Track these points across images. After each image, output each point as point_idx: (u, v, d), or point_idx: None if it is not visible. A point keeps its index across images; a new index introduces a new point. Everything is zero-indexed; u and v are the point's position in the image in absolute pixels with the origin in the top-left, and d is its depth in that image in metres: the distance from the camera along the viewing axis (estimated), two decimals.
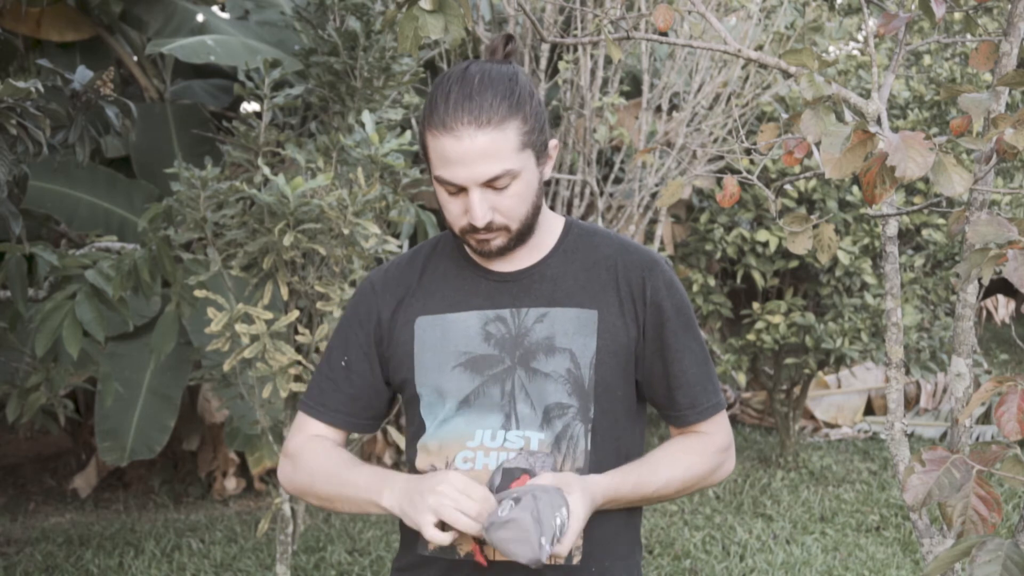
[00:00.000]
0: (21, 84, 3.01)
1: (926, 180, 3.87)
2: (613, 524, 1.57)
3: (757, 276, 5.77)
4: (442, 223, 4.18)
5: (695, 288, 5.85)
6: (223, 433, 5.52)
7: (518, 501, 1.38)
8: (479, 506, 1.40)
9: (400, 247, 3.57)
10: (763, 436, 7.06)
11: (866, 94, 1.77)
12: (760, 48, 5.31)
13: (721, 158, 5.29)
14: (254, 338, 3.15)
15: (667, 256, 5.91)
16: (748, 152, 3.94)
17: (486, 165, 1.47)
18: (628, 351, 1.58)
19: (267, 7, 5.84)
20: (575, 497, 1.43)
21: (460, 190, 1.50)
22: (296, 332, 3.35)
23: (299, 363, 3.25)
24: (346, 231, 3.16)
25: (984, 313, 11.14)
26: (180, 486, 6.03)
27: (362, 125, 3.64)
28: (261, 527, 3.33)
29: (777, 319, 5.70)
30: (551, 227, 1.64)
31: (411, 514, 1.44)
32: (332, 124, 4.00)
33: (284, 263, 3.23)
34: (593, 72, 5.16)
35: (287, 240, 3.06)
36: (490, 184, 1.48)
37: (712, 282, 5.89)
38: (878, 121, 1.64)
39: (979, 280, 1.69)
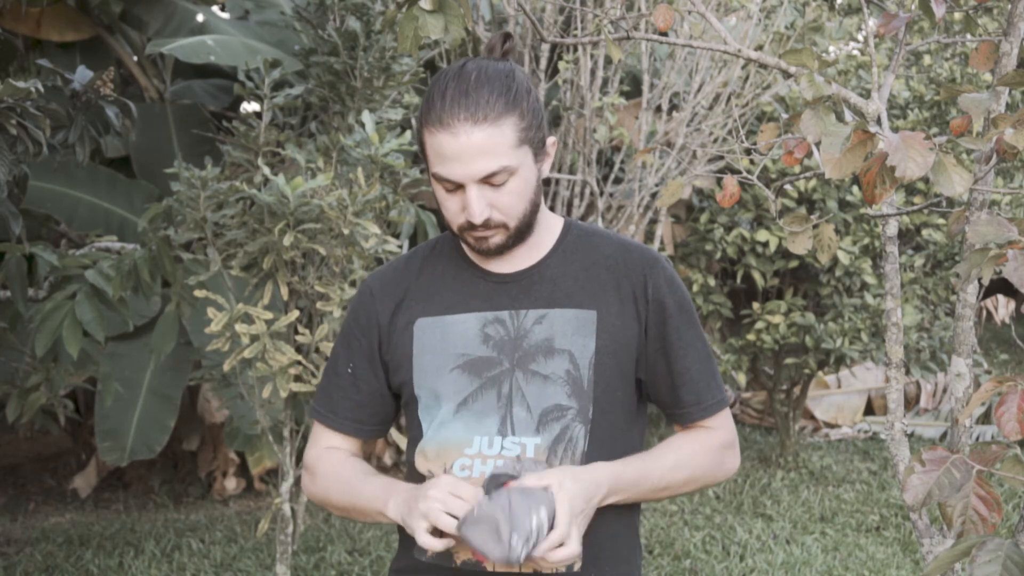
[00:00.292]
0: (21, 84, 3.01)
1: (926, 180, 3.87)
2: (612, 527, 1.56)
3: (757, 276, 5.76)
4: (442, 223, 4.18)
5: (695, 288, 5.85)
6: (223, 433, 5.52)
7: (490, 495, 1.37)
8: (468, 506, 1.40)
9: (400, 247, 3.57)
10: (763, 436, 7.06)
11: (866, 94, 1.76)
12: (760, 48, 5.31)
13: (721, 158, 5.29)
14: (254, 338, 3.15)
15: (667, 256, 5.91)
16: (748, 152, 3.94)
17: (483, 161, 1.47)
18: (628, 351, 1.58)
19: (267, 7, 5.84)
20: (565, 487, 1.42)
21: (457, 187, 1.50)
22: (296, 332, 3.35)
23: (299, 363, 3.25)
24: (346, 231, 3.16)
25: (984, 313, 11.14)
26: (180, 486, 6.03)
27: (362, 125, 3.64)
28: (261, 527, 3.33)
29: (777, 319, 5.70)
30: (550, 227, 1.64)
31: (408, 521, 1.46)
32: (332, 124, 4.00)
33: (284, 263, 3.23)
34: (593, 72, 5.16)
35: (287, 240, 3.06)
36: (487, 180, 1.48)
37: (712, 282, 5.89)
38: (878, 121, 1.64)
39: (979, 280, 1.68)
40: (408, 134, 3.56)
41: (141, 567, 4.50)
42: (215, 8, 6.30)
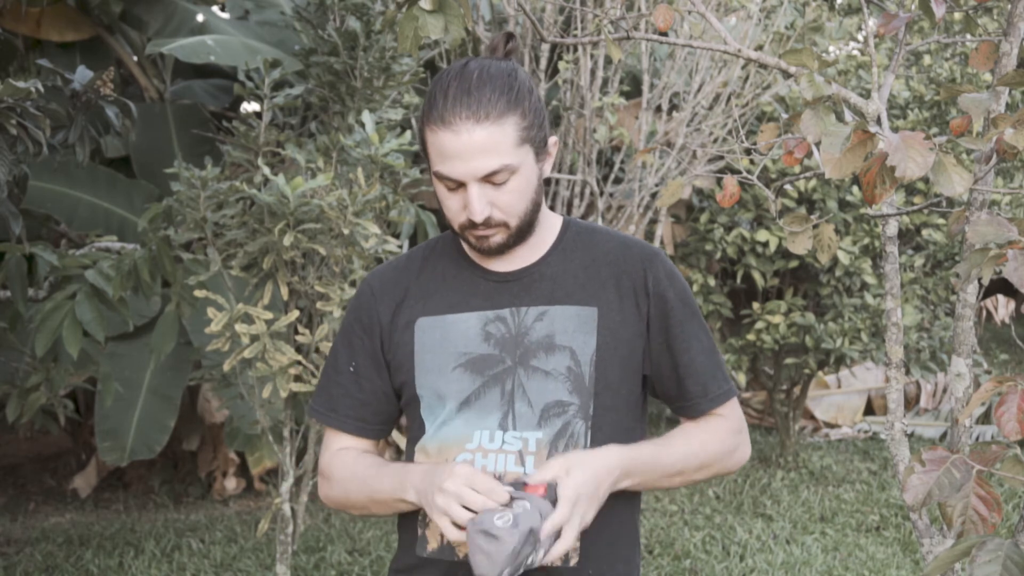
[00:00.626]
0: (21, 84, 3.01)
1: (926, 180, 3.87)
2: (611, 524, 1.56)
3: (757, 276, 5.77)
4: (442, 223, 4.19)
5: (695, 288, 5.85)
6: (223, 433, 5.52)
7: (517, 523, 1.37)
8: (483, 499, 1.40)
9: (400, 247, 3.58)
10: (763, 436, 7.06)
11: (866, 94, 1.77)
12: (760, 48, 5.31)
13: (721, 158, 5.29)
14: (254, 338, 3.15)
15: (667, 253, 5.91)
16: (748, 152, 3.94)
17: (484, 160, 1.47)
18: (630, 347, 1.58)
19: (267, 7, 5.84)
20: (572, 475, 1.42)
21: (459, 186, 1.50)
22: (296, 332, 3.35)
23: (299, 363, 3.25)
24: (346, 231, 3.16)
25: (984, 313, 11.14)
26: (180, 486, 6.03)
27: (362, 125, 3.64)
28: (261, 527, 3.33)
29: (777, 319, 5.70)
30: (550, 226, 1.64)
31: (431, 515, 1.46)
32: (332, 124, 4.00)
33: (284, 263, 3.23)
34: (593, 72, 5.16)
35: (287, 240, 3.06)
36: (488, 179, 1.49)
37: (712, 282, 5.90)
38: (878, 121, 1.64)
39: (979, 280, 1.69)
40: (408, 134, 3.56)
41: (141, 567, 4.50)
42: (215, 8, 6.30)
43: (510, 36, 1.58)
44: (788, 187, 5.52)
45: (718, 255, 5.81)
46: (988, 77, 5.46)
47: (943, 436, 6.78)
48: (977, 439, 6.18)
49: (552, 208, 5.25)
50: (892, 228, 1.85)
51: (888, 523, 5.12)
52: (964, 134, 1.56)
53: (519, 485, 1.44)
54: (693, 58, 5.37)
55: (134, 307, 4.39)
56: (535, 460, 1.52)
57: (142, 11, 5.59)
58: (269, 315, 3.17)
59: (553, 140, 1.58)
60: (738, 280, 5.89)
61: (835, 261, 5.61)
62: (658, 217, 5.60)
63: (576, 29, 5.05)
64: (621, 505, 1.56)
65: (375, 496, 1.59)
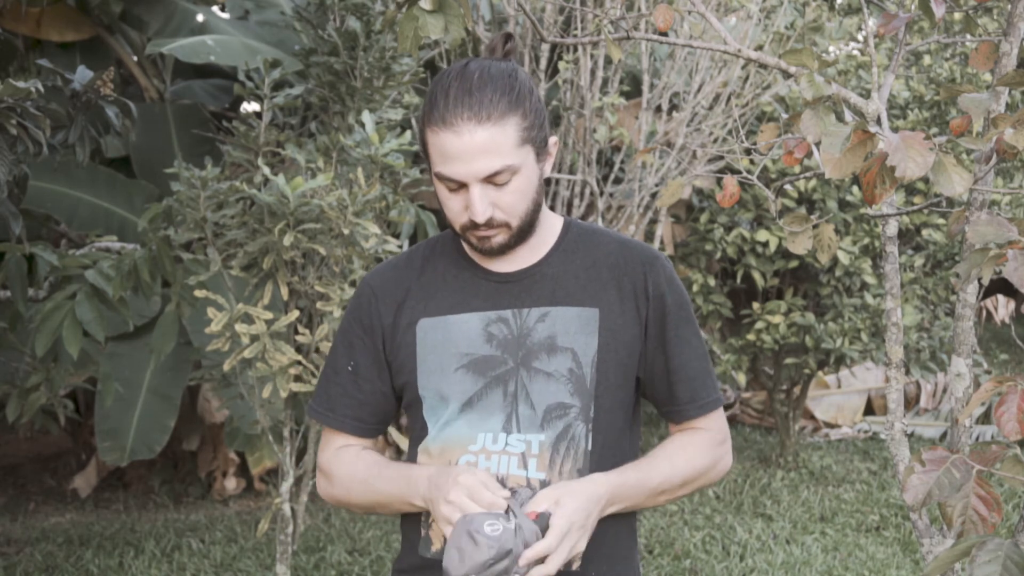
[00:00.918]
0: (21, 84, 3.00)
1: (926, 180, 3.87)
2: (611, 527, 1.56)
3: (757, 276, 5.76)
4: (442, 223, 4.18)
5: (695, 288, 5.85)
6: (223, 433, 5.52)
7: (501, 539, 1.37)
8: (484, 513, 1.41)
9: (400, 247, 3.58)
10: (763, 436, 7.06)
11: (866, 94, 1.76)
12: (760, 48, 5.31)
13: (721, 158, 5.29)
14: (254, 338, 3.15)
15: (667, 256, 5.90)
16: (748, 152, 3.94)
17: (486, 160, 1.47)
18: (629, 349, 1.58)
19: (267, 7, 5.84)
20: (563, 505, 1.43)
21: (460, 186, 1.50)
22: (296, 332, 3.35)
23: (299, 363, 3.25)
24: (346, 231, 3.16)
25: (984, 313, 11.14)
26: (180, 486, 6.03)
27: (362, 125, 3.64)
28: (261, 527, 3.33)
29: (777, 319, 5.70)
30: (550, 226, 1.64)
31: (438, 522, 1.48)
32: (332, 124, 4.00)
33: (284, 263, 3.23)
34: (593, 72, 5.16)
35: (287, 240, 3.06)
36: (490, 180, 1.49)
37: (712, 282, 5.89)
38: (878, 121, 1.64)
39: (979, 280, 1.69)
40: (408, 134, 3.56)
41: (141, 567, 4.50)
42: (215, 8, 6.30)
43: (509, 36, 1.58)
44: (788, 187, 5.52)
45: (718, 255, 5.80)
46: (988, 77, 5.46)
47: (943, 436, 6.78)
48: (977, 439, 6.18)
49: (552, 208, 5.25)
50: (892, 228, 1.85)
51: (888, 523, 5.12)
52: (964, 134, 1.56)
53: (521, 499, 1.45)
54: (693, 58, 5.37)
55: (134, 307, 4.39)
56: (537, 462, 1.53)
57: (142, 11, 5.59)
58: (269, 315, 3.17)
59: (553, 140, 1.58)
60: (738, 280, 5.88)
61: (835, 261, 5.61)
62: (658, 217, 5.60)
63: (576, 29, 5.05)
64: None
65: (379, 499, 1.60)
